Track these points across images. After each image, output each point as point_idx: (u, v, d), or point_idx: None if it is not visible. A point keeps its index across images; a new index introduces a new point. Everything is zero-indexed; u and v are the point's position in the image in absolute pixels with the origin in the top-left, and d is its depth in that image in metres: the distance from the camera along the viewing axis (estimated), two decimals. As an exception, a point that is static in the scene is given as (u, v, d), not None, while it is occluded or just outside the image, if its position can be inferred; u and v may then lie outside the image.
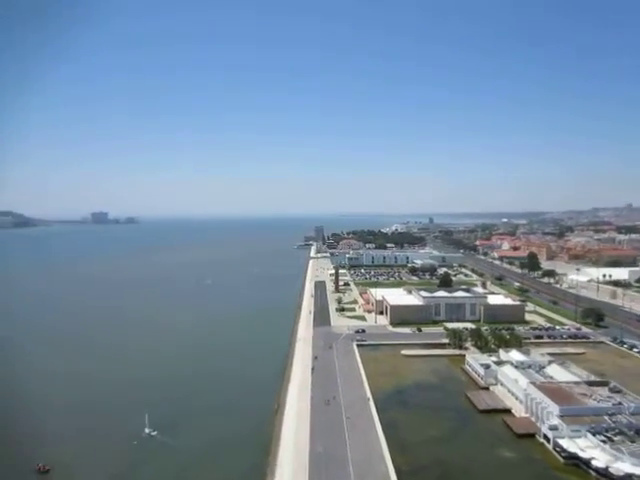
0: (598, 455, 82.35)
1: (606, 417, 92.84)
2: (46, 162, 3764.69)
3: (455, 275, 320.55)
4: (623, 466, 78.64)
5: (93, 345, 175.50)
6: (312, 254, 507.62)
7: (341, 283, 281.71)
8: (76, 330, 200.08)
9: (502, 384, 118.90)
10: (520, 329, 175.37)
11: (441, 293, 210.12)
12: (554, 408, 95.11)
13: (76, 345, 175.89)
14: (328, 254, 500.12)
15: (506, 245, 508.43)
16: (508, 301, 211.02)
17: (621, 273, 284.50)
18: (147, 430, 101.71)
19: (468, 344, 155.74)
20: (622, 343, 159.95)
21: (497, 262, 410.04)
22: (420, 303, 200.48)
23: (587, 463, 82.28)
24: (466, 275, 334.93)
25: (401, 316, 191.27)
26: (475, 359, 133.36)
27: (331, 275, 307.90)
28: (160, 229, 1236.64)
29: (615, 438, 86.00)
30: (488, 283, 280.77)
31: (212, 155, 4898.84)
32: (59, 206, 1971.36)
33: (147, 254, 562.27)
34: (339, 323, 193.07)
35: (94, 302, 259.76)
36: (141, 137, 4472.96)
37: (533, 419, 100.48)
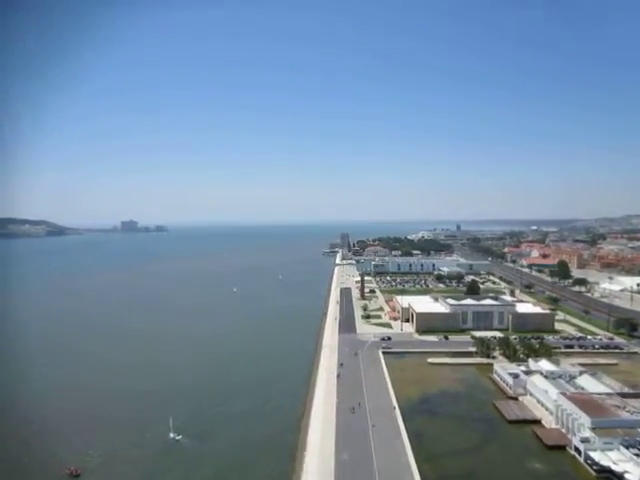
0: (631, 469, 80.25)
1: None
2: (80, 173, 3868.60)
3: (483, 283, 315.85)
4: (658, 481, 76.39)
5: (102, 359, 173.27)
6: (337, 261, 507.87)
7: (367, 290, 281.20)
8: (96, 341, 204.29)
9: (531, 394, 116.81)
10: (550, 338, 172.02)
11: (468, 301, 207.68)
12: (586, 420, 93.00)
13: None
14: (354, 261, 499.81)
15: (535, 253, 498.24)
16: (537, 309, 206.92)
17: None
18: (172, 435, 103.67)
19: (496, 353, 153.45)
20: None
21: (526, 270, 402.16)
22: (447, 311, 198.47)
23: (620, 477, 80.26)
24: (494, 283, 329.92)
25: (427, 324, 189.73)
26: (503, 368, 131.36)
27: (357, 282, 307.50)
28: (188, 237, 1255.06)
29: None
30: (517, 291, 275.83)
31: (238, 162, 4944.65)
32: (92, 215, 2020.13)
33: (174, 263, 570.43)
34: (365, 330, 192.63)
35: (103, 317, 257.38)
36: (166, 140, 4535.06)
37: (564, 431, 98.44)
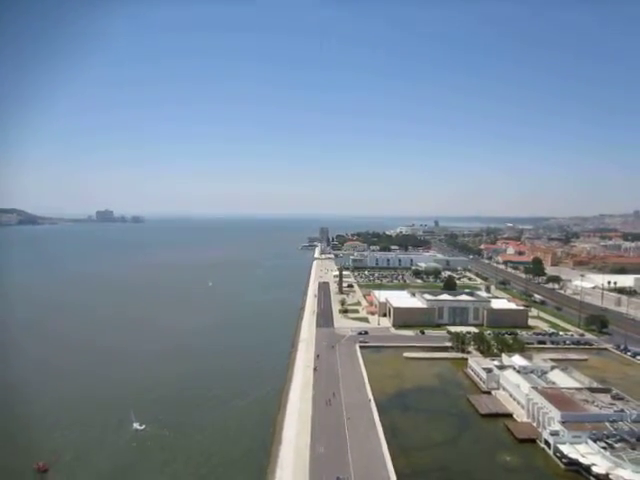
0: (599, 462, 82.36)
1: (607, 424, 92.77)
2: (54, 160, 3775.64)
3: (459, 279, 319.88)
4: (624, 473, 78.63)
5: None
6: (316, 255, 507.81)
7: (345, 285, 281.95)
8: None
9: (504, 389, 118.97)
10: (523, 334, 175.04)
11: (445, 296, 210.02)
12: (556, 414, 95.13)
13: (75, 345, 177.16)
14: (332, 255, 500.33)
15: (511, 250, 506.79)
16: (512, 306, 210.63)
17: (626, 280, 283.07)
18: (135, 425, 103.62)
19: (471, 348, 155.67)
20: (626, 350, 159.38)
21: (502, 267, 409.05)
22: (424, 306, 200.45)
23: (587, 469, 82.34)
24: (470, 279, 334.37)
25: (404, 318, 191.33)
26: (478, 363, 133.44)
27: (335, 276, 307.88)
28: (163, 228, 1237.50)
29: (616, 445, 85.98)
30: (492, 287, 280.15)
31: (213, 153, 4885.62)
32: (67, 204, 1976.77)
33: (149, 255, 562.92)
34: (342, 324, 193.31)
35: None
36: (145, 132, 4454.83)
37: (534, 424, 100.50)
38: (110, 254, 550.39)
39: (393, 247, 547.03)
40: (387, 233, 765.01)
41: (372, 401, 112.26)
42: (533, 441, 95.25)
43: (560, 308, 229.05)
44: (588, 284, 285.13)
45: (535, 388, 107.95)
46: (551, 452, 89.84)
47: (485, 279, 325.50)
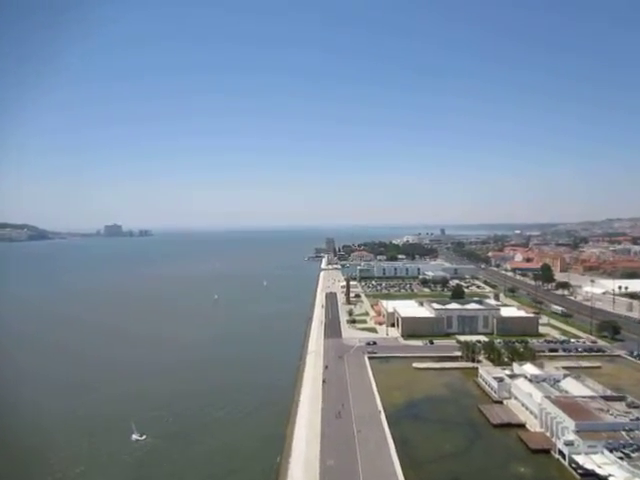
0: (615, 472, 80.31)
1: (623, 433, 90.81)
2: (63, 176, 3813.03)
3: (467, 287, 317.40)
4: (642, 484, 76.68)
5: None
6: (323, 266, 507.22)
7: (352, 295, 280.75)
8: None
9: (516, 398, 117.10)
10: (534, 342, 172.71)
11: (453, 305, 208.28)
12: (570, 423, 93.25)
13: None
14: (339, 266, 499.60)
15: (519, 257, 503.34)
16: (521, 313, 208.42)
17: (638, 285, 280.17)
18: (134, 436, 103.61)
19: (481, 357, 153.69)
20: (639, 357, 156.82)
21: (510, 274, 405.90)
22: (432, 315, 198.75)
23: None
24: (478, 287, 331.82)
25: (413, 328, 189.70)
26: (488, 372, 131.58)
27: (342, 287, 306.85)
28: (172, 241, 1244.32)
29: (633, 455, 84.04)
30: (501, 295, 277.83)
31: (220, 166, 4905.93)
32: (76, 219, 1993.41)
33: (154, 268, 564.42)
34: (350, 335, 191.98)
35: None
36: (152, 145, 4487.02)
37: (548, 434, 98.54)
38: (117, 267, 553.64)
39: (400, 256, 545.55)
40: (393, 242, 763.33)
41: (382, 412, 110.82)
42: (547, 452, 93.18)
43: (571, 315, 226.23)
44: (598, 290, 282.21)
45: (548, 397, 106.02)
46: (566, 463, 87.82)
47: (494, 287, 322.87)
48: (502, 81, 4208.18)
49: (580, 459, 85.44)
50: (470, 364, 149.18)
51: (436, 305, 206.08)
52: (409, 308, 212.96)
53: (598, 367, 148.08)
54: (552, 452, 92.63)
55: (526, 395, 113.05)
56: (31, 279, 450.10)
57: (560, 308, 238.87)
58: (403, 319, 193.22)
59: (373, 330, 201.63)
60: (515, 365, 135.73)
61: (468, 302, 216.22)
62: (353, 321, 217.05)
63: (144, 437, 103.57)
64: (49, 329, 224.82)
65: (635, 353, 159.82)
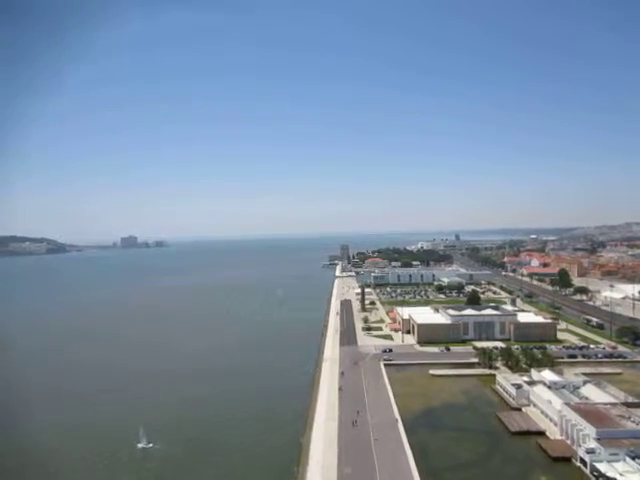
0: (639, 480, 78.88)
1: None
2: (81, 189, 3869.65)
3: (483, 293, 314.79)
4: (666, 492, 75.09)
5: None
6: (337, 273, 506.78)
7: (367, 302, 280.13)
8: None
9: (535, 405, 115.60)
10: (552, 348, 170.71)
11: (469, 311, 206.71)
12: (591, 430, 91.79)
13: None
14: (353, 273, 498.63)
15: (535, 262, 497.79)
16: (539, 319, 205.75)
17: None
18: (141, 444, 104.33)
19: (498, 363, 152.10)
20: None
21: (526, 279, 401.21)
22: (448, 322, 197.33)
23: (627, 489, 78.85)
24: (495, 293, 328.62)
25: (429, 335, 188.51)
26: (506, 379, 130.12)
27: (357, 294, 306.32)
28: (188, 252, 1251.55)
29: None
30: (518, 300, 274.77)
31: (235, 174, 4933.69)
32: (93, 231, 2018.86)
33: (169, 279, 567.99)
34: (366, 342, 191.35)
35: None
36: (165, 152, 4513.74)
37: (569, 442, 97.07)
38: (132, 279, 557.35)
39: (414, 263, 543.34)
40: (408, 249, 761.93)
41: (399, 420, 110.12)
42: (568, 460, 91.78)
43: (589, 320, 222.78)
44: (617, 294, 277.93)
45: (568, 404, 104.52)
46: (587, 471, 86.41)
47: (510, 292, 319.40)
48: (516, 88, 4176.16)
49: (602, 467, 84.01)
50: (487, 371, 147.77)
51: (452, 311, 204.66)
52: (425, 315, 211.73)
53: (619, 373, 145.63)
54: (573, 460, 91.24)
55: (545, 402, 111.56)
56: (51, 291, 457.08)
57: (595, 319, 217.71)
58: (419, 326, 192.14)
59: (389, 337, 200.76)
60: (533, 371, 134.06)
61: (484, 308, 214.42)
62: (368, 328, 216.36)
63: (151, 445, 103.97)
64: (68, 341, 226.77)
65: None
